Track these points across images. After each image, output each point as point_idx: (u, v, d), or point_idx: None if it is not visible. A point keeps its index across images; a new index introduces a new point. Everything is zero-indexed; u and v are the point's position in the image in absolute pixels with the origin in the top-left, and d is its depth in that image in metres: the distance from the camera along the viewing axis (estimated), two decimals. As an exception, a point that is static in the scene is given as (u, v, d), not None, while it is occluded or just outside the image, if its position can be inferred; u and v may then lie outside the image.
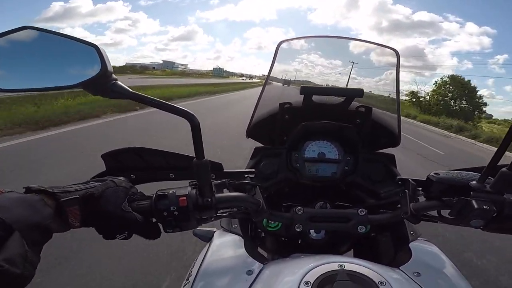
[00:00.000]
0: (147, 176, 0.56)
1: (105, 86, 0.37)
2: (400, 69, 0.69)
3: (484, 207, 0.43)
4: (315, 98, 0.68)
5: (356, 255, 0.70)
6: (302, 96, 0.66)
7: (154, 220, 0.43)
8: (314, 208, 0.65)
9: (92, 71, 0.36)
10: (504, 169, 0.42)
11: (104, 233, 0.41)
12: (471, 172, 0.49)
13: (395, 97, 0.72)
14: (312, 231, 0.63)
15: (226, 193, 0.51)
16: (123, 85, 0.38)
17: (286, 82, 1.06)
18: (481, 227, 0.46)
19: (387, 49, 0.72)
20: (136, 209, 0.41)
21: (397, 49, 0.69)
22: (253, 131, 0.73)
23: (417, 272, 0.47)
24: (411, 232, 0.60)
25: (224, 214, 0.49)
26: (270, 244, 0.72)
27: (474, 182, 0.45)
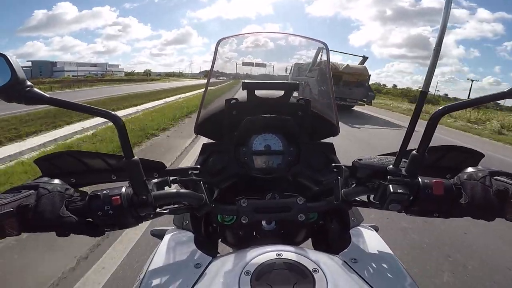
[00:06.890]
0: (89, 179, 0.56)
1: (19, 93, 0.38)
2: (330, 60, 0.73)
3: (399, 190, 0.43)
4: (258, 93, 0.70)
5: (313, 244, 0.73)
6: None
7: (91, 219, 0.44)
8: (265, 200, 0.66)
9: (2, 80, 0.37)
10: (414, 152, 0.43)
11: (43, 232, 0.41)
12: (391, 157, 0.49)
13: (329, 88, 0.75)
14: (264, 222, 0.64)
15: (165, 190, 0.52)
16: (38, 91, 0.39)
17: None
18: (402, 211, 0.46)
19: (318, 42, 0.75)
20: (73, 211, 0.42)
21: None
22: (201, 128, 0.73)
23: (354, 259, 0.48)
24: (353, 219, 0.61)
25: (165, 211, 0.51)
26: (230, 238, 0.73)
27: (390, 166, 0.46)
